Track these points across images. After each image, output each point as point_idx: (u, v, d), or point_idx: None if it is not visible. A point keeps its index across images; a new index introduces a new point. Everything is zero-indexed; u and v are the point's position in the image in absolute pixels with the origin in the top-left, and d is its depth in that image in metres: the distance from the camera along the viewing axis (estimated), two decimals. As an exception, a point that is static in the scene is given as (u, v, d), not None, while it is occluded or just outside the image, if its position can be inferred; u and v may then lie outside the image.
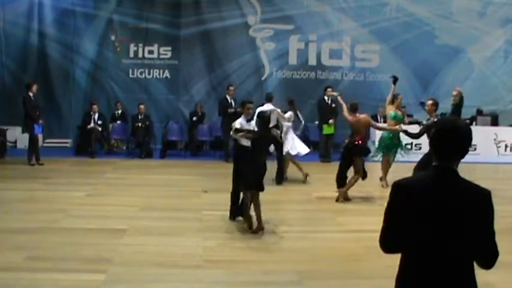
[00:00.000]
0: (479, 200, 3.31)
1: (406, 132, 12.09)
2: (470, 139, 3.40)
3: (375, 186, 13.80)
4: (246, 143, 9.76)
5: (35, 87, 15.99)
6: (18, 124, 18.71)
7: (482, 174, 15.06)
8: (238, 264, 7.96)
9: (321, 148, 18.04)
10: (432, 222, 3.27)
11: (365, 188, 13.98)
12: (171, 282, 7.18)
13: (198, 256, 8.19)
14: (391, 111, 13.52)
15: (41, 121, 16.03)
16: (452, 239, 3.25)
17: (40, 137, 17.57)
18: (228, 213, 10.21)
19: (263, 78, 20.19)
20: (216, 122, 18.68)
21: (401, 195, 3.36)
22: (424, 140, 12.66)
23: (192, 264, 7.82)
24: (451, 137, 3.36)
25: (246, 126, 9.88)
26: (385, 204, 3.44)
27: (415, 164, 11.64)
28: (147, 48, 19.83)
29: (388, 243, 3.45)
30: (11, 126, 18.14)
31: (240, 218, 9.99)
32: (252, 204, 9.58)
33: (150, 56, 19.87)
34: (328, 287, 7.18)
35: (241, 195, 9.92)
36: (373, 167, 13.98)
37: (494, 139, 17.64)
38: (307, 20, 20.16)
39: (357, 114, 12.02)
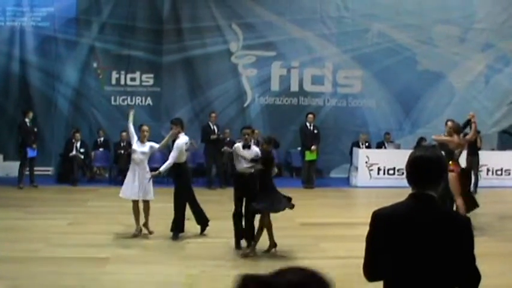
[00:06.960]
0: (459, 227, 3.35)
1: None
2: (441, 167, 3.47)
3: (357, 212, 13.78)
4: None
5: (31, 114, 17.12)
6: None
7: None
8: (221, 292, 7.92)
9: (303, 174, 18.04)
10: (413, 249, 3.29)
11: (348, 213, 14.00)
12: (154, 311, 7.13)
13: (181, 284, 8.15)
14: None
15: (34, 145, 16.75)
16: (434, 266, 3.26)
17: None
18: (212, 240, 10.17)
19: (245, 105, 20.17)
20: (198, 149, 18.59)
21: (382, 224, 3.39)
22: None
23: (175, 293, 7.77)
24: (421, 165, 3.43)
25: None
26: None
27: None
28: (129, 76, 19.77)
29: (371, 272, 3.48)
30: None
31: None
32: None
33: (133, 83, 19.82)
34: (312, 314, 7.13)
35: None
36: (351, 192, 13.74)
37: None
38: (289, 46, 20.23)
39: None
